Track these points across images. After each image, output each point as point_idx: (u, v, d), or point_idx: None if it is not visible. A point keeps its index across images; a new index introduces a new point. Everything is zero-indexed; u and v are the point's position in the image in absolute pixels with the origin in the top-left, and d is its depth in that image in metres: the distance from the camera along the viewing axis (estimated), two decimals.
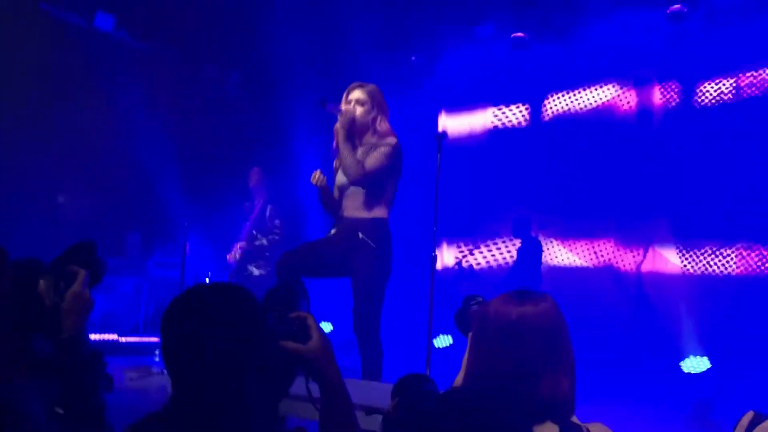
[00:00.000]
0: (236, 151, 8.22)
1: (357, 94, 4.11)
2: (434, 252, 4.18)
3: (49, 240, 5.27)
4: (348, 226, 4.08)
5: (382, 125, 4.14)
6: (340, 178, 4.17)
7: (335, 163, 4.25)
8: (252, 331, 1.31)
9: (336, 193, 4.23)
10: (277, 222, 6.75)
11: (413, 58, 8.44)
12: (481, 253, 8.12)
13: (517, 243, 7.56)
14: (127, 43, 7.82)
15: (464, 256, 7.91)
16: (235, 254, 6.74)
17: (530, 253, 7.27)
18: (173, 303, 1.32)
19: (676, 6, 6.93)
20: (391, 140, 4.08)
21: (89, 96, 7.34)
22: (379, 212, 4.08)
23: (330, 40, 7.77)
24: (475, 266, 7.91)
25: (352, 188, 4.09)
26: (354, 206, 4.10)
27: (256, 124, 8.57)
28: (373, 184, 4.04)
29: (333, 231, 4.18)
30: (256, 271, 6.62)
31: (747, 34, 6.79)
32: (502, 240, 8.11)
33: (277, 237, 6.74)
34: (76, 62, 7.29)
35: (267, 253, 6.67)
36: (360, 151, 4.07)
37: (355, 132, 4.08)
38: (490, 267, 8.01)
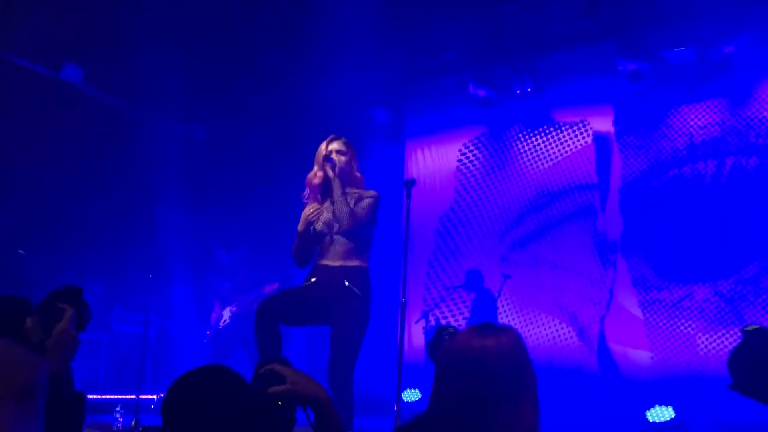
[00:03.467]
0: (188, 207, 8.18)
1: (337, 145, 4.23)
2: (403, 297, 4.21)
3: (10, 291, 5.13)
4: (332, 274, 4.11)
5: (358, 175, 4.28)
6: (323, 225, 4.19)
7: (309, 211, 4.26)
8: (242, 400, 1.54)
9: (302, 241, 4.23)
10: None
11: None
12: (446, 305, 8.15)
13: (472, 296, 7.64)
14: (94, 97, 7.81)
15: (429, 311, 7.91)
16: (225, 317, 6.63)
17: (484, 306, 7.33)
18: (171, 391, 1.55)
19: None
20: (374, 192, 4.22)
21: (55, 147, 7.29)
22: (363, 261, 4.17)
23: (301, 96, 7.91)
24: (441, 320, 7.91)
25: (338, 237, 4.15)
26: (338, 255, 4.14)
27: (225, 180, 8.55)
28: (360, 233, 4.13)
29: (313, 279, 4.19)
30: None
31: None
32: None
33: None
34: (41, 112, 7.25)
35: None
36: (349, 200, 4.15)
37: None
38: (456, 321, 8.02)
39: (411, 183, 4.35)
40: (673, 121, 7.44)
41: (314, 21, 7.02)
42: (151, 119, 8.28)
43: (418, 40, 7.56)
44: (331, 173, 4.15)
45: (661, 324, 7.16)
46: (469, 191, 8.46)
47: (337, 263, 4.13)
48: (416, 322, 7.65)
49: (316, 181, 4.23)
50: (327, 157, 4.18)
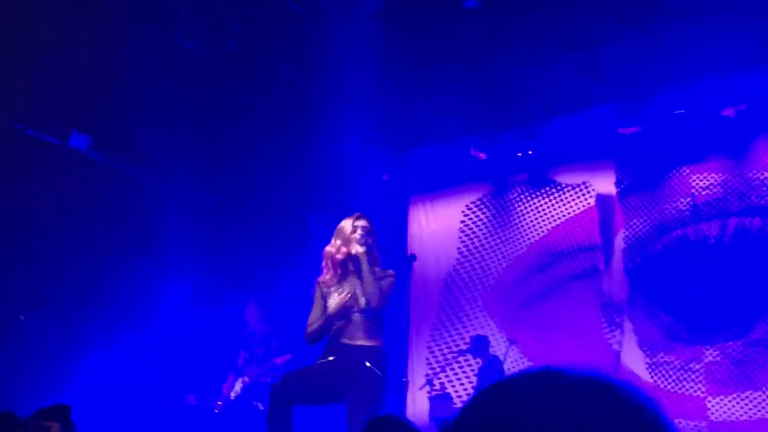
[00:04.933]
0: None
1: (364, 222, 4.25)
2: (406, 377, 4.20)
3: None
4: (353, 353, 4.09)
5: (376, 255, 4.29)
6: (338, 303, 4.15)
7: (321, 289, 4.25)
8: None
9: (320, 321, 4.20)
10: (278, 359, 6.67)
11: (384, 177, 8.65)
12: (452, 369, 8.07)
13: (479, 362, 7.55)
14: (101, 163, 7.91)
15: (435, 374, 7.83)
16: (236, 388, 6.57)
17: (491, 372, 7.24)
18: None
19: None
20: (392, 272, 4.24)
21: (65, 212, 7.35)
22: (381, 341, 4.17)
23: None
24: (447, 385, 7.82)
25: (358, 315, 4.13)
26: (359, 333, 4.13)
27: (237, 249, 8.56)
28: (380, 312, 4.14)
29: (331, 357, 4.16)
30: (261, 406, 6.45)
31: None
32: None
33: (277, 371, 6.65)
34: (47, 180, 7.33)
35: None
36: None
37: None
38: (463, 385, 7.93)
39: (412, 258, 4.37)
40: (676, 181, 7.46)
41: (319, 84, 7.16)
42: (159, 185, 8.37)
43: (421, 102, 7.67)
44: (361, 249, 4.11)
45: (669, 387, 7.07)
46: (473, 252, 8.46)
47: (358, 342, 4.12)
48: (420, 389, 7.57)
49: (339, 256, 4.18)
50: (362, 234, 4.15)
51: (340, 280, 4.20)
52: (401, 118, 7.82)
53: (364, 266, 4.08)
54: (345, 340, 4.13)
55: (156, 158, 7.88)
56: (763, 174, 7.05)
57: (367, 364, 4.03)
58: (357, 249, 4.12)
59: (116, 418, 6.88)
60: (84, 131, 7.76)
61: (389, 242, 7.20)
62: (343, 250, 4.17)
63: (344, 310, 4.13)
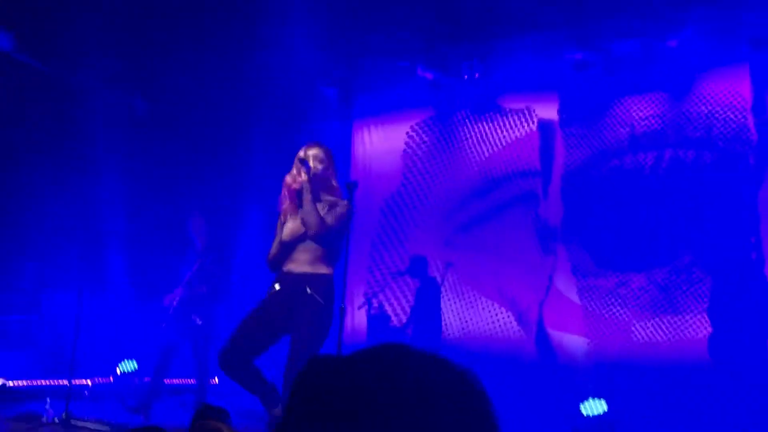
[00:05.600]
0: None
1: (315, 150, 4.22)
2: (343, 303, 4.17)
3: None
4: (295, 281, 4.09)
5: (335, 184, 4.27)
6: (290, 231, 4.18)
7: (282, 218, 4.26)
8: None
9: (277, 249, 4.22)
10: (214, 270, 6.53)
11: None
12: (391, 289, 8.16)
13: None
14: (28, 64, 7.44)
15: (374, 294, 7.91)
16: (174, 299, 6.43)
17: (428, 294, 7.36)
18: None
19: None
20: (346, 202, 4.19)
21: None
22: (327, 269, 4.14)
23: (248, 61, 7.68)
24: (386, 305, 7.92)
25: (304, 243, 4.13)
26: (303, 261, 4.12)
27: (177, 161, 8.25)
28: (328, 241, 4.11)
29: (277, 286, 4.15)
30: (198, 321, 6.35)
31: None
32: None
33: (214, 284, 6.52)
34: None
35: (206, 301, 6.46)
36: (319, 207, 4.13)
37: (314, 188, 4.15)
38: (401, 305, 8.04)
39: (354, 185, 4.29)
40: (616, 111, 7.55)
41: None
42: (90, 89, 7.95)
43: (370, 19, 7.43)
44: (304, 177, 4.12)
45: (597, 311, 7.34)
46: (415, 174, 8.45)
47: (301, 270, 4.11)
48: (359, 308, 7.65)
49: (295, 186, 4.21)
50: (303, 161, 4.15)
51: (298, 209, 4.21)
52: (350, 32, 7.57)
53: (305, 195, 4.11)
54: (289, 268, 4.14)
55: (88, 62, 7.45)
56: (699, 107, 7.20)
57: (308, 290, 4.02)
58: (302, 177, 4.14)
59: (47, 329, 6.72)
60: (6, 29, 7.25)
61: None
62: (298, 179, 4.20)
63: (294, 239, 4.15)
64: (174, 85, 8.09)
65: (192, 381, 6.49)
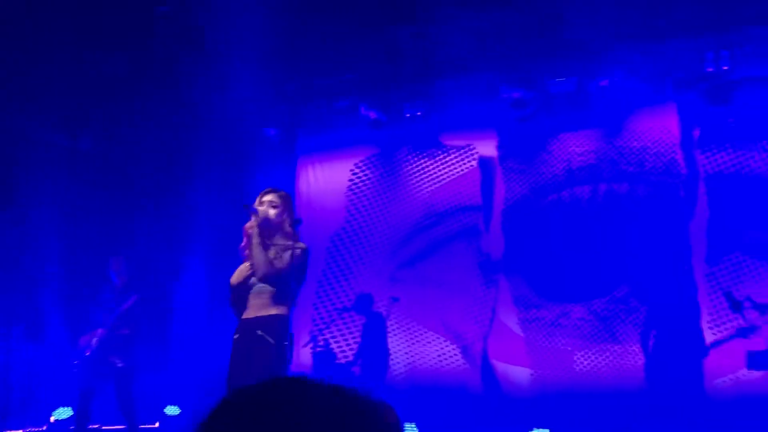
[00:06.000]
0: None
1: (270, 197, 4.25)
2: (290, 331, 4.17)
3: None
4: (249, 326, 4.09)
5: (290, 230, 4.25)
6: (237, 274, 4.19)
7: (245, 266, 4.24)
8: None
9: (230, 292, 4.23)
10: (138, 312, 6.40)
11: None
12: (337, 326, 8.15)
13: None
14: None
15: (319, 331, 7.88)
16: (93, 340, 6.25)
17: (374, 330, 7.39)
18: None
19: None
20: (302, 245, 4.22)
21: None
22: (279, 309, 4.12)
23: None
24: (332, 342, 7.89)
25: (258, 286, 4.13)
26: (258, 306, 4.12)
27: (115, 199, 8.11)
28: (279, 283, 4.11)
29: (236, 336, 4.15)
30: (119, 363, 6.20)
31: None
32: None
33: (137, 327, 6.37)
34: None
35: (128, 344, 6.30)
36: (272, 251, 4.15)
37: (267, 233, 4.17)
38: (347, 341, 8.03)
39: (298, 222, 4.34)
40: (553, 147, 7.81)
41: (210, 35, 6.86)
42: (28, 128, 7.81)
43: (314, 60, 7.54)
44: (252, 223, 4.15)
45: (540, 341, 7.49)
46: (360, 211, 8.53)
47: (253, 315, 4.11)
48: (303, 346, 7.59)
49: (250, 231, 4.22)
50: (251, 207, 4.18)
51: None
52: (293, 73, 7.67)
53: (253, 239, 4.14)
54: (246, 314, 4.16)
55: (28, 103, 7.34)
56: (632, 143, 7.52)
57: (259, 332, 4.03)
58: (251, 223, 4.19)
59: None
60: None
61: None
62: (253, 224, 4.22)
63: (240, 281, 4.18)
64: (115, 127, 8.02)
65: (121, 427, 6.31)
